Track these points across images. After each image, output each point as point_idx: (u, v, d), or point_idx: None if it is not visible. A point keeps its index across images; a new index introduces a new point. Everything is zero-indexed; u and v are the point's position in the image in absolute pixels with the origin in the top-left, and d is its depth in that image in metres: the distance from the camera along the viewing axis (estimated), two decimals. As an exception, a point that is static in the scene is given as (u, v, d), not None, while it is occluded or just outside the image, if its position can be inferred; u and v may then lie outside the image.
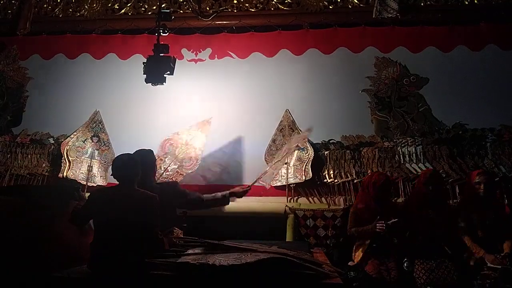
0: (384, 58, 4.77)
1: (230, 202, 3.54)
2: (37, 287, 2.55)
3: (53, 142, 4.83)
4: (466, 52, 4.69)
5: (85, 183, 4.39)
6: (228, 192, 3.49)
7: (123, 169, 2.68)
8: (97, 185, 4.46)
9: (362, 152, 4.45)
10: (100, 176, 4.54)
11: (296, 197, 4.31)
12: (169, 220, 3.19)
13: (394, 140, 4.47)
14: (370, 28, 4.87)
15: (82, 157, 4.53)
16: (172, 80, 3.80)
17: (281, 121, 4.61)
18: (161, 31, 3.81)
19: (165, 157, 4.20)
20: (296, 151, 4.38)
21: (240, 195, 3.53)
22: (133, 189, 2.64)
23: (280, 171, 4.40)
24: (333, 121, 4.63)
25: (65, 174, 4.44)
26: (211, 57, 5.00)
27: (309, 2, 4.90)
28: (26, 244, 2.73)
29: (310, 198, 4.31)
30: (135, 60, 4.89)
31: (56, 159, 4.69)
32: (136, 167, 2.73)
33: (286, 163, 4.16)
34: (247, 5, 5.01)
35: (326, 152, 4.48)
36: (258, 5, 5.01)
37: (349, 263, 3.37)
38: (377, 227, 3.28)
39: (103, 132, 4.71)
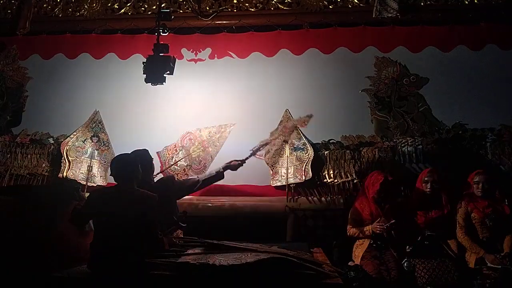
0: (384, 58, 4.77)
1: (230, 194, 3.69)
2: (37, 287, 2.55)
3: (53, 142, 4.83)
4: (466, 52, 4.68)
5: (85, 183, 4.39)
6: (222, 166, 3.59)
7: (122, 169, 2.69)
8: (97, 185, 4.45)
9: (362, 152, 4.44)
10: (100, 176, 4.53)
11: (296, 197, 4.31)
12: (170, 217, 3.21)
13: (394, 140, 4.46)
14: (370, 28, 4.87)
15: (82, 157, 4.52)
16: (172, 80, 3.80)
17: (281, 121, 4.60)
18: (161, 31, 3.82)
19: (180, 150, 4.14)
20: (298, 152, 4.38)
21: (234, 168, 3.62)
22: (132, 189, 2.64)
23: (280, 171, 4.41)
24: (333, 121, 4.63)
25: (65, 174, 4.44)
26: (211, 57, 5.00)
27: (309, 2, 4.90)
28: (26, 244, 2.73)
29: (310, 198, 4.30)
30: (135, 60, 4.88)
31: (56, 159, 4.69)
32: (135, 167, 2.73)
33: (285, 141, 4.10)
34: (247, 5, 5.01)
35: (326, 152, 4.48)
36: (258, 5, 5.00)
37: (349, 263, 3.37)
38: (377, 228, 3.29)
39: (103, 132, 4.71)
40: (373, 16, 4.69)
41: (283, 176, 4.36)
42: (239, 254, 2.41)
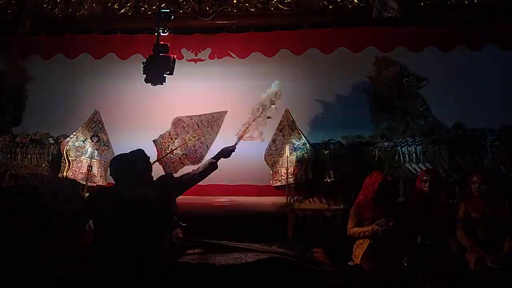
0: (384, 58, 4.77)
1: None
2: (37, 287, 2.56)
3: (53, 142, 4.82)
4: (466, 52, 4.68)
5: (84, 183, 4.38)
6: (214, 156, 3.62)
7: (121, 169, 2.69)
8: (97, 185, 4.45)
9: (362, 152, 4.44)
10: (100, 176, 4.53)
11: (296, 197, 4.30)
12: (170, 216, 3.21)
13: (394, 140, 4.46)
14: (370, 28, 4.86)
15: (82, 157, 4.51)
16: (171, 79, 3.80)
17: (281, 121, 4.60)
18: (161, 31, 3.81)
19: (175, 138, 4.10)
20: (298, 152, 4.38)
21: (227, 154, 3.65)
22: (132, 189, 2.64)
23: (280, 171, 4.41)
24: (333, 121, 4.63)
25: (65, 174, 4.43)
26: (211, 57, 4.99)
27: (309, 2, 4.89)
28: (26, 244, 2.73)
29: (310, 198, 4.30)
30: (135, 60, 4.87)
31: (56, 159, 4.68)
32: (134, 166, 2.73)
33: (269, 117, 4.04)
34: (247, 5, 5.00)
35: (326, 152, 4.48)
36: (258, 5, 5.00)
37: (349, 263, 3.38)
38: (377, 229, 3.30)
39: (102, 132, 4.70)
40: (373, 16, 4.69)
41: (283, 176, 4.35)
42: (239, 254, 2.42)
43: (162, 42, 3.72)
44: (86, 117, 4.74)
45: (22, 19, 5.13)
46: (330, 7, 4.90)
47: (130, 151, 3.27)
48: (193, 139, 4.00)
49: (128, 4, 5.15)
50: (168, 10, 3.96)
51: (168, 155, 3.98)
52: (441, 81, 4.63)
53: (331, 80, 4.76)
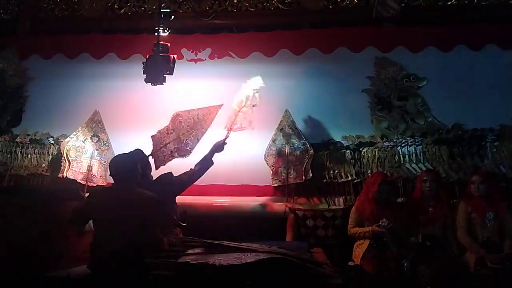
0: (384, 58, 4.76)
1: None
2: (37, 287, 2.55)
3: (53, 142, 4.83)
4: (466, 52, 4.68)
5: (85, 183, 4.38)
6: (208, 153, 3.65)
7: (121, 169, 2.69)
8: (97, 185, 4.45)
9: (362, 152, 4.44)
10: (100, 176, 4.53)
11: (296, 197, 4.30)
12: (170, 216, 3.22)
13: (394, 140, 4.46)
14: (370, 28, 4.86)
15: (82, 157, 4.52)
16: (171, 79, 3.80)
17: (281, 121, 4.61)
18: (161, 30, 3.81)
19: (171, 133, 4.09)
20: (298, 152, 4.38)
21: (220, 148, 3.70)
22: (132, 189, 2.64)
23: (280, 171, 4.41)
24: (333, 121, 4.63)
25: (65, 174, 4.43)
26: (211, 57, 4.99)
27: (309, 1, 4.89)
28: (26, 244, 2.73)
29: (310, 198, 4.30)
30: (135, 60, 4.87)
31: (56, 159, 4.69)
32: (134, 166, 2.73)
33: (254, 105, 4.05)
34: (246, 4, 5.00)
35: (326, 152, 4.48)
36: (258, 4, 5.00)
37: (349, 263, 3.38)
38: (378, 230, 3.30)
39: (103, 132, 4.71)
40: (373, 16, 4.70)
41: (283, 176, 4.36)
42: (239, 254, 2.42)
43: (162, 42, 3.73)
44: (86, 117, 4.74)
45: (22, 19, 5.13)
46: (330, 6, 4.90)
47: (129, 151, 3.28)
48: (186, 133, 3.99)
49: (128, 4, 5.15)
50: (168, 10, 3.96)
51: (161, 149, 3.96)
52: (441, 81, 4.63)
53: (331, 80, 4.76)
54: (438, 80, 4.63)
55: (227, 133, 3.82)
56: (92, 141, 4.60)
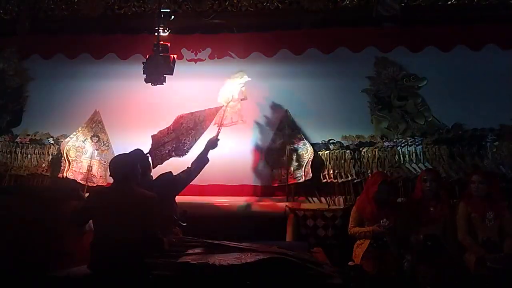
0: (384, 58, 4.76)
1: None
2: (37, 287, 2.56)
3: (53, 142, 4.82)
4: (466, 52, 4.68)
5: (85, 183, 4.38)
6: (203, 151, 3.69)
7: (121, 169, 2.69)
8: (97, 185, 4.45)
9: (362, 152, 4.44)
10: (100, 176, 4.53)
11: (296, 197, 4.30)
12: (170, 216, 3.22)
13: (394, 140, 4.46)
14: (370, 28, 4.86)
15: (82, 157, 4.52)
16: (171, 80, 3.80)
17: (281, 121, 4.61)
18: (161, 30, 3.81)
19: (171, 133, 4.09)
20: (298, 152, 4.38)
21: (214, 145, 3.74)
22: (132, 189, 2.64)
23: (280, 171, 4.41)
24: (333, 121, 4.63)
25: (65, 174, 4.43)
26: (211, 57, 4.99)
27: (309, 1, 4.88)
28: (26, 244, 2.73)
29: (310, 198, 4.31)
30: (135, 60, 4.86)
31: (56, 159, 4.69)
32: (134, 166, 2.73)
33: (242, 99, 4.11)
34: (246, 4, 4.99)
35: (326, 152, 4.48)
36: (258, 4, 4.98)
37: (349, 263, 3.38)
38: (379, 230, 3.31)
39: (103, 132, 4.71)
40: (373, 16, 4.69)
41: (283, 176, 4.36)
42: (239, 254, 2.42)
43: (162, 42, 3.72)
44: (86, 117, 4.74)
45: (22, 19, 5.12)
46: (330, 6, 4.90)
47: (129, 151, 3.28)
48: (185, 133, 3.99)
49: (128, 4, 5.14)
50: (168, 10, 3.96)
51: (159, 148, 3.97)
52: (441, 81, 4.63)
53: (331, 80, 4.76)
54: (438, 80, 4.63)
55: (218, 129, 3.86)
56: (92, 141, 4.60)
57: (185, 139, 3.96)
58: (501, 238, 3.28)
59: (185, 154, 3.90)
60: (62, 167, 4.51)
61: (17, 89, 5.18)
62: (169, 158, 3.93)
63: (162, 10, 3.90)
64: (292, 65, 4.86)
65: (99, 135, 4.67)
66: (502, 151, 4.25)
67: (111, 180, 2.80)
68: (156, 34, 3.77)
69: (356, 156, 4.44)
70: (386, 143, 4.45)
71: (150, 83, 3.68)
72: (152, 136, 3.95)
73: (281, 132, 4.55)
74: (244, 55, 4.94)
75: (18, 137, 4.90)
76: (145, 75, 3.66)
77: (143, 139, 3.97)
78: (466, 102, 4.52)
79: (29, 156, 4.78)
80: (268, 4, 4.97)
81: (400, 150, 4.39)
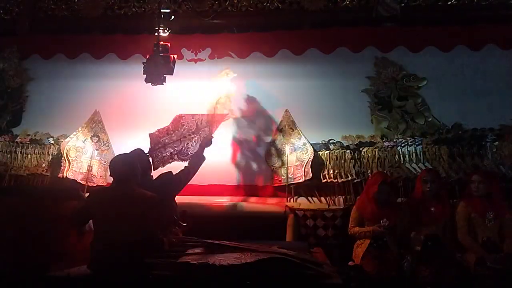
0: (384, 58, 4.76)
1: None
2: (37, 287, 2.55)
3: (53, 142, 4.82)
4: (466, 52, 4.69)
5: (85, 183, 4.38)
6: (198, 150, 3.78)
7: (122, 169, 2.69)
8: (97, 185, 4.45)
9: (362, 152, 4.44)
10: (100, 176, 4.53)
11: (296, 197, 4.30)
12: (170, 216, 3.22)
13: (394, 140, 4.46)
14: (370, 28, 4.86)
15: (82, 157, 4.52)
16: (172, 79, 3.80)
17: (281, 121, 4.61)
18: (161, 30, 3.81)
19: (171, 134, 4.07)
20: (298, 152, 4.38)
21: (208, 144, 3.80)
22: (132, 189, 2.64)
23: (280, 171, 4.41)
24: (333, 121, 4.63)
25: (65, 174, 4.43)
26: (211, 56, 4.99)
27: (309, 1, 4.89)
28: (26, 244, 2.73)
29: (310, 198, 4.30)
30: (135, 60, 4.87)
31: (56, 159, 4.69)
32: (134, 167, 2.73)
33: (231, 95, 4.18)
34: (246, 4, 5.00)
35: (326, 152, 4.48)
36: (258, 4, 4.99)
37: (349, 263, 3.38)
38: (379, 230, 3.31)
39: (103, 132, 4.71)
40: (373, 16, 4.70)
41: (283, 176, 4.36)
42: (239, 254, 2.41)
43: (162, 42, 3.72)
44: (86, 117, 4.74)
45: (22, 19, 5.13)
46: (330, 7, 4.89)
47: (130, 151, 3.28)
48: (188, 137, 3.99)
49: (128, 4, 5.14)
50: (168, 10, 3.96)
51: (159, 149, 3.96)
52: (441, 81, 4.63)
53: (331, 80, 4.76)
54: (438, 80, 4.64)
55: (211, 127, 3.89)
56: (92, 141, 4.60)
57: (188, 143, 3.98)
58: (501, 238, 3.28)
59: (189, 158, 3.93)
60: (62, 167, 4.50)
61: (17, 89, 5.18)
62: (172, 161, 3.95)
63: (162, 10, 3.90)
64: (292, 65, 4.86)
65: (99, 135, 4.67)
66: (502, 151, 4.25)
67: (111, 180, 2.80)
68: (156, 34, 3.78)
69: (356, 156, 4.44)
70: (386, 143, 4.45)
71: (150, 83, 3.68)
72: (150, 134, 3.95)
73: (281, 132, 4.55)
74: (244, 55, 4.95)
75: (18, 137, 4.90)
76: (145, 75, 3.66)
77: (143, 139, 3.97)
78: (466, 102, 4.53)
79: (29, 156, 4.78)
80: (268, 4, 4.97)
81: (400, 150, 4.39)
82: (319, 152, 4.47)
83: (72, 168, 4.44)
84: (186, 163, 3.78)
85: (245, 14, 5.00)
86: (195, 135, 3.98)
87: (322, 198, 4.28)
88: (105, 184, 4.45)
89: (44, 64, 5.21)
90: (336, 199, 4.22)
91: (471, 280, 3.06)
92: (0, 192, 3.69)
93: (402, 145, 4.41)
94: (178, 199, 3.56)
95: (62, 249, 2.81)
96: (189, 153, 3.95)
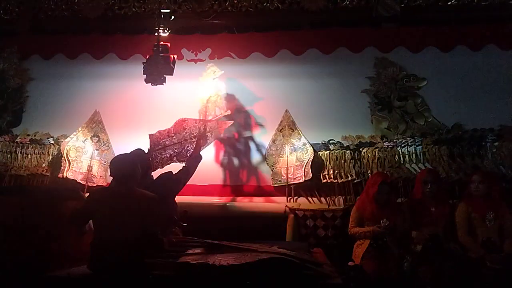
0: (384, 58, 4.77)
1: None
2: (37, 287, 2.55)
3: (53, 142, 4.83)
4: (466, 52, 4.69)
5: (85, 183, 4.38)
6: (195, 148, 3.82)
7: (122, 169, 2.69)
8: (97, 185, 4.45)
9: (362, 152, 4.45)
10: (100, 176, 4.53)
11: (296, 197, 4.30)
12: (170, 216, 3.22)
13: (394, 140, 4.47)
14: (370, 28, 4.87)
15: (82, 157, 4.52)
16: (172, 80, 3.80)
17: (281, 121, 4.61)
18: (161, 31, 3.81)
19: (172, 136, 4.07)
20: (298, 152, 4.38)
21: (203, 143, 3.89)
22: (132, 189, 2.64)
23: (280, 171, 4.41)
24: (333, 121, 4.63)
25: (65, 174, 4.43)
26: (211, 57, 4.99)
27: (309, 1, 4.88)
28: (26, 244, 2.73)
29: (310, 198, 4.30)
30: (135, 60, 4.87)
31: (56, 159, 4.69)
32: (135, 167, 2.73)
33: (221, 93, 4.28)
34: (246, 4, 5.00)
35: (326, 153, 4.48)
36: (258, 4, 4.99)
37: (349, 263, 3.38)
38: (379, 231, 3.31)
39: (103, 132, 4.71)
40: (373, 16, 4.70)
41: (283, 176, 4.36)
42: (239, 254, 2.42)
43: (162, 42, 3.72)
44: (86, 117, 4.74)
45: (22, 19, 5.13)
46: (330, 7, 4.89)
47: (130, 151, 3.28)
48: (189, 140, 4.00)
49: (128, 4, 5.14)
50: (168, 10, 3.96)
51: (159, 150, 3.97)
52: (441, 81, 4.63)
53: (331, 80, 4.77)
54: (438, 80, 4.64)
55: (205, 125, 3.94)
56: (92, 141, 4.60)
57: (188, 146, 3.99)
58: (501, 238, 3.27)
59: (183, 163, 3.94)
60: (62, 167, 4.50)
61: (17, 89, 5.18)
62: (171, 162, 3.96)
63: (162, 10, 3.91)
64: (292, 65, 4.87)
65: (99, 135, 4.67)
66: (502, 151, 4.24)
67: (111, 180, 2.80)
68: (156, 34, 3.78)
69: (356, 156, 4.44)
70: (386, 144, 4.45)
71: (150, 83, 3.68)
72: (150, 135, 3.95)
73: (281, 132, 4.55)
74: (244, 55, 4.95)
75: (18, 137, 4.90)
76: (145, 75, 3.67)
77: (143, 139, 3.97)
78: (466, 102, 4.53)
79: (29, 156, 4.78)
80: (268, 4, 4.97)
81: (400, 150, 4.39)
82: (319, 152, 4.47)
83: (72, 168, 4.44)
84: (184, 164, 3.79)
85: (245, 14, 5.00)
86: (196, 139, 4.00)
87: (322, 198, 4.28)
88: (105, 184, 4.45)
89: (44, 64, 5.21)
90: (336, 199, 4.22)
91: (471, 280, 3.05)
92: (0, 192, 3.69)
93: (402, 145, 4.41)
94: (178, 199, 3.56)
95: (62, 249, 2.81)
96: (187, 154, 3.96)
